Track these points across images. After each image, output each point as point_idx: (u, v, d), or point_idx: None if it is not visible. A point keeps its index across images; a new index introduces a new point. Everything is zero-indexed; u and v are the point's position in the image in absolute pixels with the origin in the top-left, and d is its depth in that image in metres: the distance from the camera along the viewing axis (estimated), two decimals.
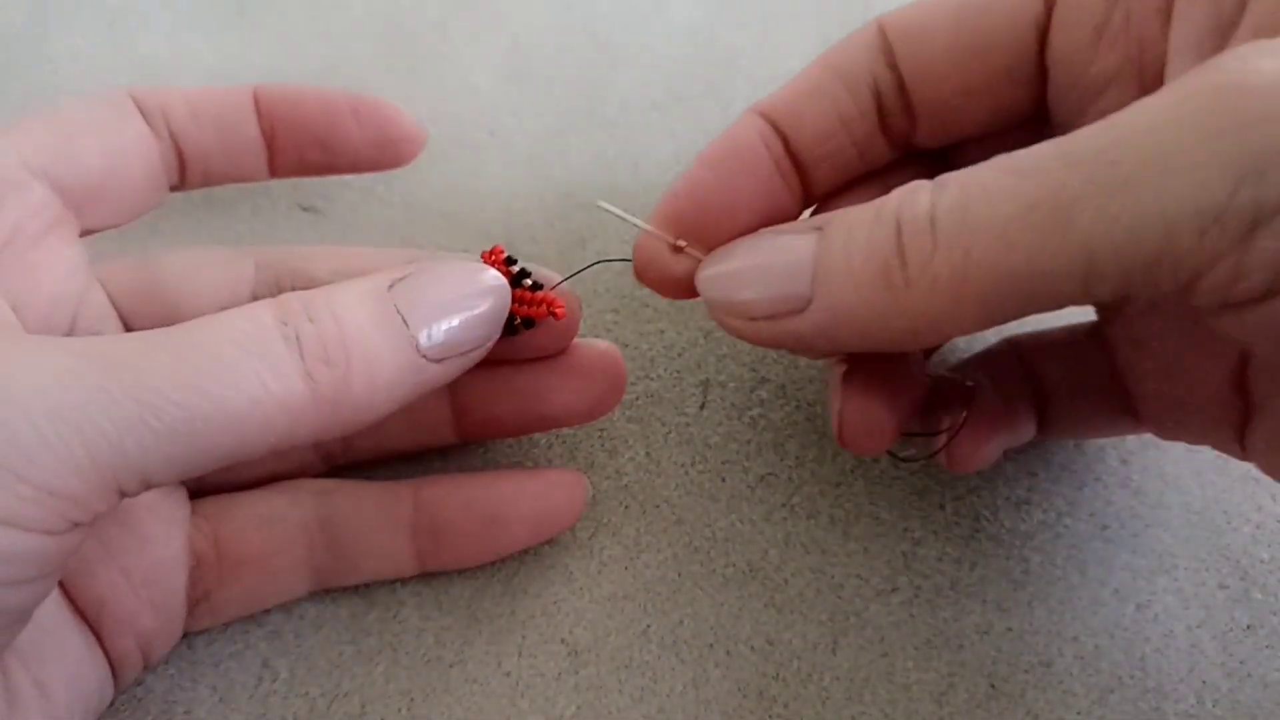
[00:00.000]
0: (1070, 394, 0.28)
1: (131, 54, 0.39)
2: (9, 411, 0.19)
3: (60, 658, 0.24)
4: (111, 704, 0.27)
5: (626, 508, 0.30)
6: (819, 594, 0.29)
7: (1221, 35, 0.20)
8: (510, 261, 0.26)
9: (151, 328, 0.27)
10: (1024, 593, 0.29)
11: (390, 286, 0.23)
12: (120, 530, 0.26)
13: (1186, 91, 0.18)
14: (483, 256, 0.26)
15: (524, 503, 0.28)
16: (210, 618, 0.28)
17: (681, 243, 0.25)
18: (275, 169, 0.31)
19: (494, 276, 0.25)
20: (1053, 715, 0.27)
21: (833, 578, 0.29)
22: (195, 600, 0.27)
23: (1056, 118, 0.25)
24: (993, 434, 0.27)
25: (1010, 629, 0.28)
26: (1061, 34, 0.24)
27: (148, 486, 0.21)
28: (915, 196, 0.21)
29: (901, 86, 0.25)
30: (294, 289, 0.27)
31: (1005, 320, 0.20)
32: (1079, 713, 0.27)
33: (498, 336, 0.25)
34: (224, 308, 0.27)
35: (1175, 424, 0.27)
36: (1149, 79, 0.22)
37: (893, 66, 0.25)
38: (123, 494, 0.20)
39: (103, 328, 0.27)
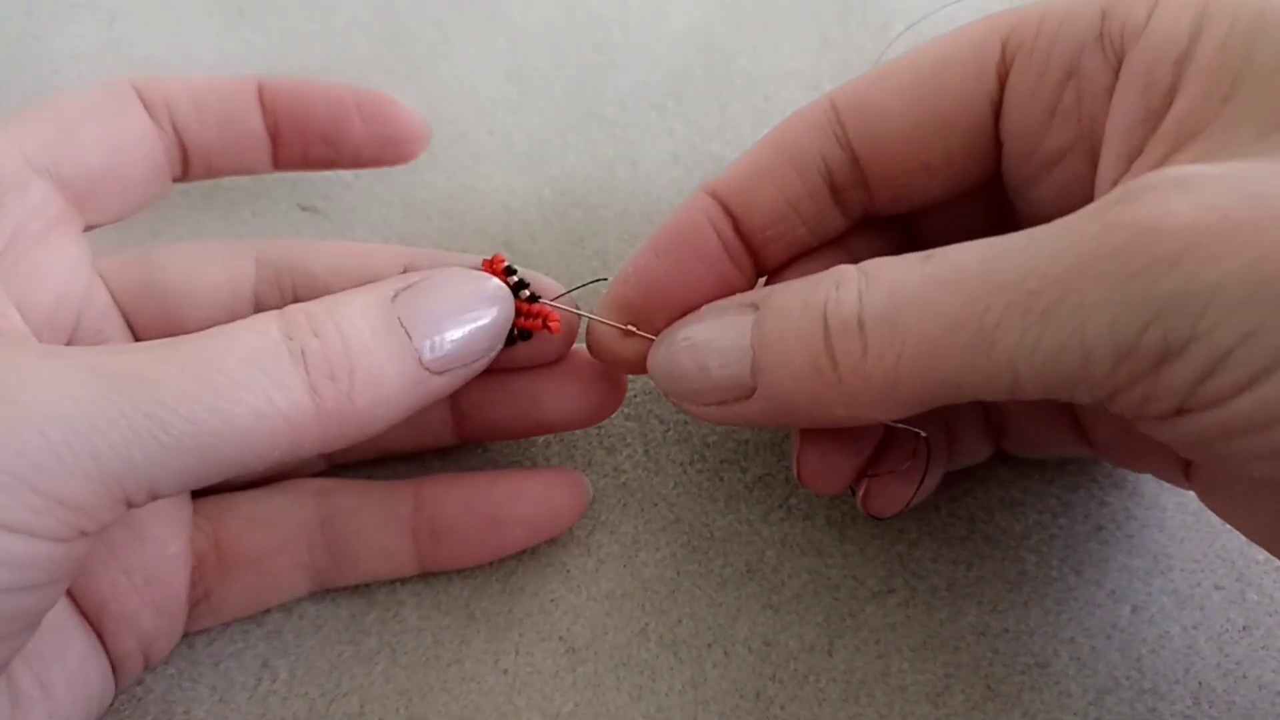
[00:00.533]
0: (1025, 419, 0.29)
1: (131, 54, 0.39)
2: (21, 422, 0.19)
3: (63, 657, 0.25)
4: (112, 704, 0.27)
5: (624, 505, 0.31)
6: (816, 595, 0.29)
7: (1150, 124, 0.21)
8: (510, 271, 0.26)
9: (152, 325, 0.27)
10: (1020, 594, 0.29)
11: (394, 297, 0.23)
12: (122, 530, 0.26)
13: (1104, 225, 0.19)
14: (484, 265, 0.26)
15: (524, 503, 0.29)
16: (210, 618, 0.28)
17: (630, 327, 0.26)
18: (278, 162, 0.31)
19: (498, 287, 0.25)
20: (1049, 716, 0.27)
21: (829, 579, 0.29)
22: (195, 600, 0.27)
23: (1011, 184, 0.25)
24: (923, 481, 0.27)
25: (1006, 630, 0.28)
26: (1016, 111, 0.24)
27: (154, 497, 0.21)
28: (841, 291, 0.22)
29: (856, 163, 0.25)
30: (294, 287, 0.28)
31: (940, 404, 0.21)
32: (1075, 714, 0.27)
33: (501, 347, 0.25)
34: (225, 307, 0.28)
35: (1124, 453, 0.28)
36: (1099, 154, 0.23)
37: (846, 145, 0.25)
38: (130, 504, 0.21)
39: (106, 326, 0.27)
